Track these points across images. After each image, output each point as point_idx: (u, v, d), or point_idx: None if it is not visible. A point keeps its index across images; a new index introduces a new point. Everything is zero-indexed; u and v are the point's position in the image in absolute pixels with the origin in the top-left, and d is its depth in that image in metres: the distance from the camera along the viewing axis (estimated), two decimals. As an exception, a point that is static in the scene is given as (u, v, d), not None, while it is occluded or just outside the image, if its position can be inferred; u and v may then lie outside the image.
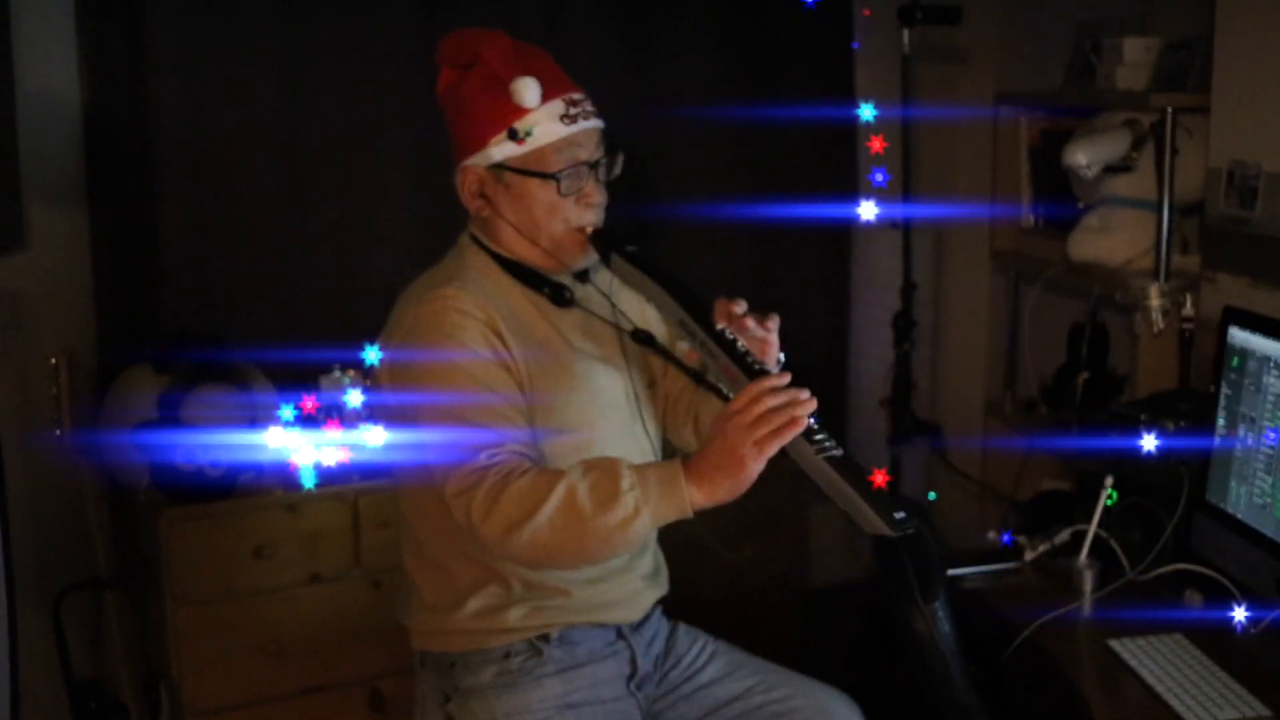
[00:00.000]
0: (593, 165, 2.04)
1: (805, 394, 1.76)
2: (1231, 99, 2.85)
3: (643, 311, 2.15)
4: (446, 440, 1.90)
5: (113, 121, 3.24)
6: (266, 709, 3.09)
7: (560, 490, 1.80)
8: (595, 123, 2.04)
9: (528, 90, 1.96)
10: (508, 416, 1.93)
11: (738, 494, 1.79)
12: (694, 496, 1.79)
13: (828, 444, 1.75)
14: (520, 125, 1.97)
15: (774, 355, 1.98)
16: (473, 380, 1.93)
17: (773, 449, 1.74)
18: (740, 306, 1.93)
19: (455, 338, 1.94)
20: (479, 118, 1.99)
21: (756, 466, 1.75)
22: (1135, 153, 3.15)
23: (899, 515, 1.70)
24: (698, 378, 1.98)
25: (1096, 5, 3.60)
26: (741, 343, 1.88)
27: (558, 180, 1.99)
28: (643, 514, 1.79)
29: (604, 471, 1.82)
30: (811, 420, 1.75)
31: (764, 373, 1.83)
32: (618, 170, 2.08)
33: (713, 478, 1.77)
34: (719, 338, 1.87)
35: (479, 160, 2.01)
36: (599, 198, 2.05)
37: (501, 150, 1.99)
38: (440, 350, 1.95)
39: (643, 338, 2.04)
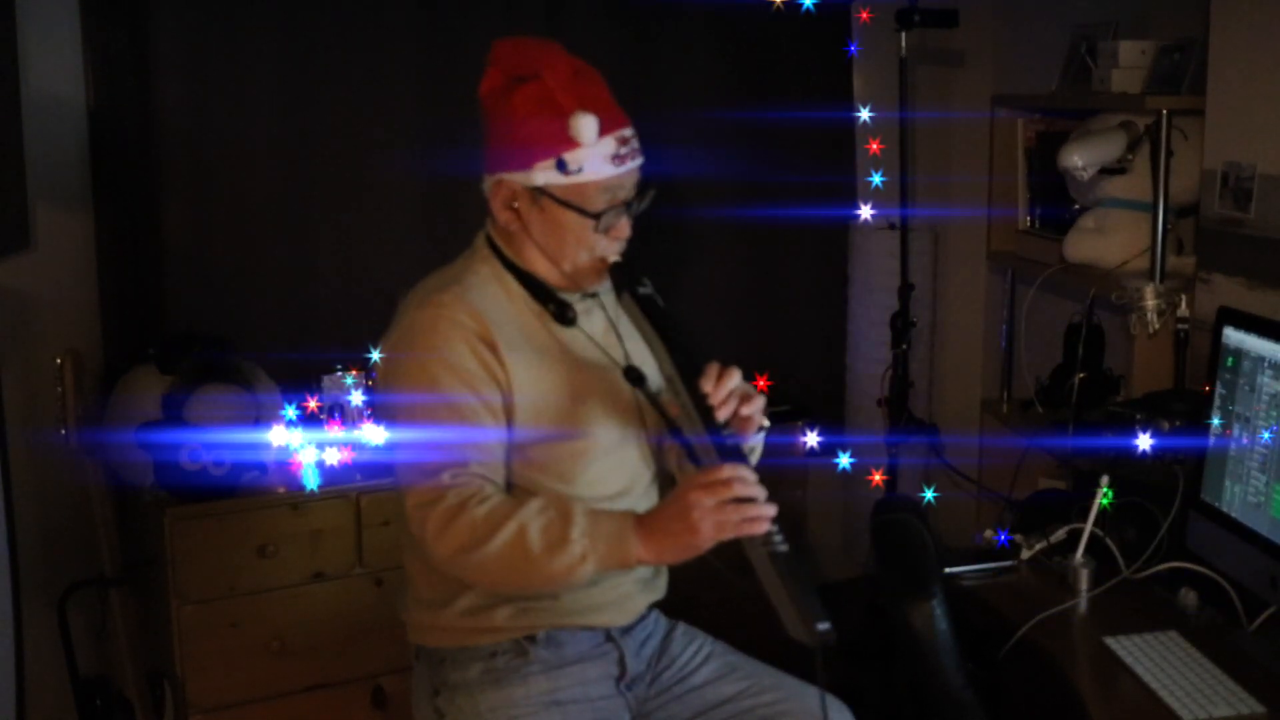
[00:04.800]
0: (628, 203, 2.05)
1: (765, 493, 1.80)
2: (1226, 101, 2.87)
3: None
4: (415, 452, 1.93)
5: (118, 124, 3.26)
6: (269, 706, 3.12)
7: (513, 525, 1.84)
8: (639, 161, 2.06)
9: (587, 128, 1.95)
10: (479, 439, 1.96)
11: (682, 560, 1.83)
12: (640, 553, 1.83)
13: (775, 538, 1.78)
14: (571, 158, 1.96)
15: (754, 428, 1.98)
16: (450, 395, 1.95)
17: (730, 536, 1.78)
18: (733, 379, 1.92)
19: (440, 349, 1.96)
20: (529, 138, 1.98)
21: (708, 544, 1.80)
22: (1130, 154, 3.16)
23: (821, 626, 1.70)
24: (674, 431, 1.97)
25: (1092, 8, 3.62)
26: (723, 415, 1.89)
27: (598, 219, 2.00)
28: (588, 562, 1.83)
29: (558, 514, 1.86)
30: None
31: (736, 450, 1.85)
32: (646, 204, 2.09)
33: (662, 541, 1.82)
34: (699, 404, 1.88)
35: (519, 178, 2.00)
36: (627, 232, 2.06)
37: (546, 176, 1.98)
38: (424, 359, 1.97)
39: (633, 376, 2.02)
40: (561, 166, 1.97)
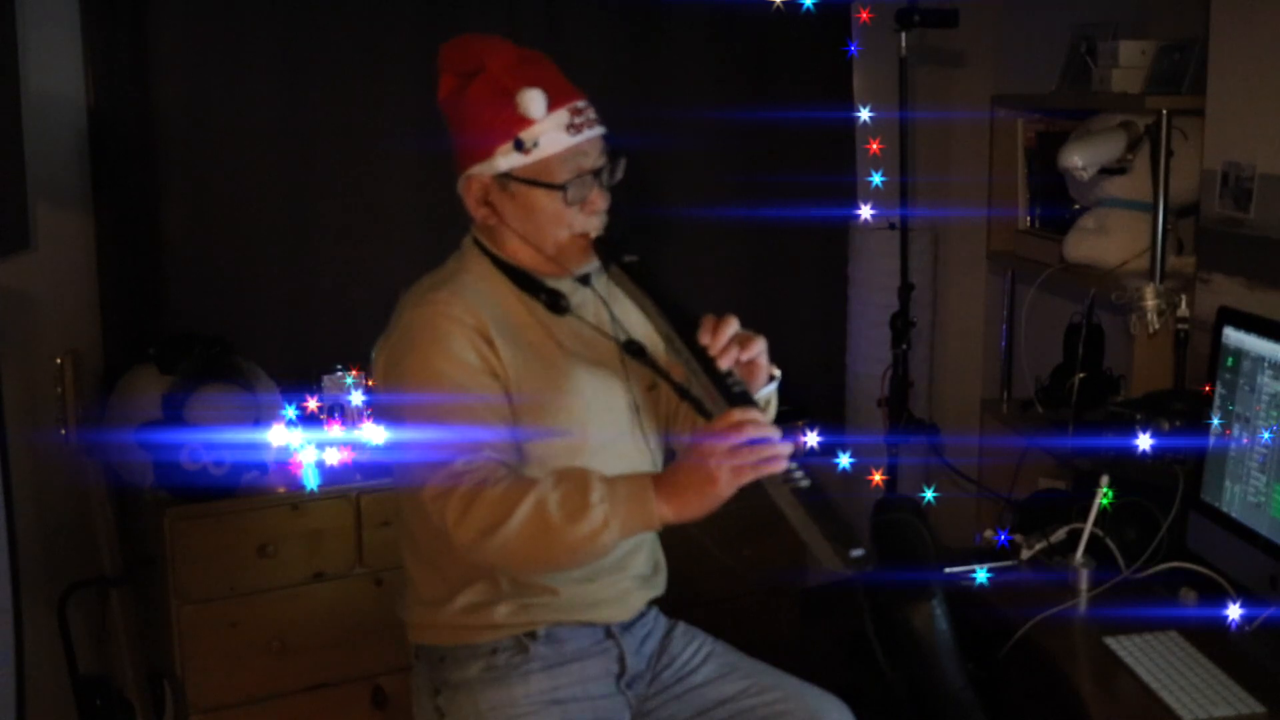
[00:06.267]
0: (596, 172, 2.05)
1: (779, 433, 1.79)
2: (1226, 101, 2.87)
3: (641, 317, 2.17)
4: (426, 444, 1.93)
5: (118, 123, 3.26)
6: (269, 706, 3.12)
7: (531, 500, 1.82)
8: (598, 130, 2.06)
9: (534, 102, 1.97)
10: (488, 424, 1.96)
11: (705, 513, 1.81)
12: (663, 512, 1.82)
13: (796, 474, 1.77)
14: (526, 136, 1.98)
15: (762, 376, 1.99)
16: (456, 387, 1.96)
17: (749, 479, 1.77)
18: (730, 326, 1.92)
19: (442, 344, 1.97)
20: (484, 127, 2.01)
21: (729, 491, 1.78)
22: (1130, 154, 3.16)
23: (855, 553, 1.70)
24: (682, 392, 1.98)
25: (1092, 8, 3.62)
26: (725, 363, 1.89)
27: (564, 190, 2.01)
28: (611, 526, 1.81)
29: (575, 483, 1.84)
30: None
31: (744, 395, 1.85)
32: (619, 175, 2.09)
33: (683, 495, 1.81)
34: (700, 356, 1.88)
35: (484, 169, 2.03)
36: (603, 204, 2.07)
37: (508, 160, 2.00)
38: (427, 355, 1.97)
39: (634, 349, 2.04)
40: (519, 146, 1.99)
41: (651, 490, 1.82)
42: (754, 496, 1.80)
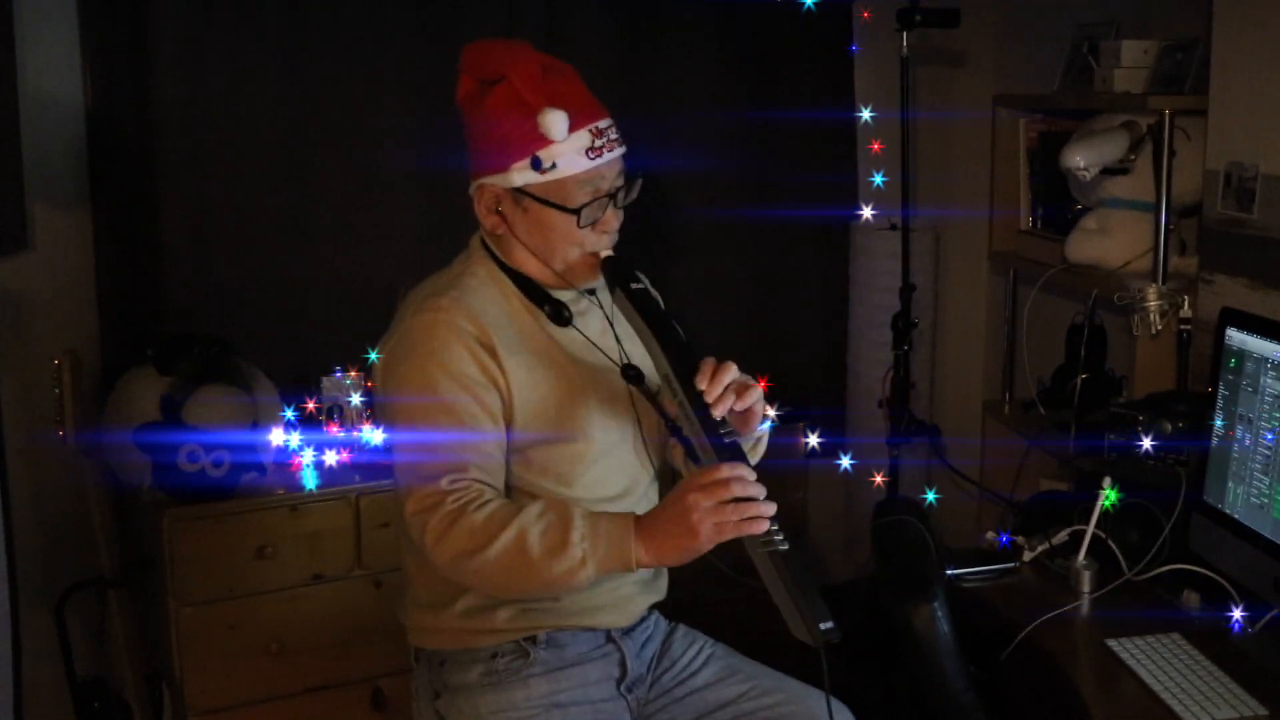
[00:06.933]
0: (613, 194, 2.03)
1: (764, 492, 1.78)
2: (1229, 101, 2.86)
3: None
4: (414, 458, 1.93)
5: (116, 123, 3.25)
6: (268, 708, 3.11)
7: (512, 531, 1.83)
8: (619, 151, 2.04)
9: (555, 124, 1.94)
10: (479, 440, 1.95)
11: (684, 562, 1.82)
12: (640, 555, 1.82)
13: (776, 537, 1.76)
14: (544, 155, 1.96)
15: (756, 422, 1.98)
16: (449, 398, 1.95)
17: (730, 536, 1.77)
18: (728, 373, 1.89)
19: (440, 353, 1.96)
20: (502, 140, 1.98)
21: (709, 545, 1.78)
22: (1133, 155, 3.16)
23: (825, 626, 1.70)
24: (674, 430, 1.97)
25: (1094, 8, 3.61)
26: (719, 411, 1.86)
27: (579, 214, 1.99)
28: (588, 566, 1.83)
29: (558, 517, 1.85)
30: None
31: (734, 447, 1.84)
32: (634, 194, 2.07)
33: (664, 543, 1.81)
34: (695, 402, 1.86)
35: (498, 181, 2.01)
36: (616, 223, 2.05)
37: (523, 176, 1.98)
38: (423, 364, 1.96)
39: (631, 374, 2.02)
40: (536, 165, 1.97)
41: (633, 534, 1.83)
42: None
